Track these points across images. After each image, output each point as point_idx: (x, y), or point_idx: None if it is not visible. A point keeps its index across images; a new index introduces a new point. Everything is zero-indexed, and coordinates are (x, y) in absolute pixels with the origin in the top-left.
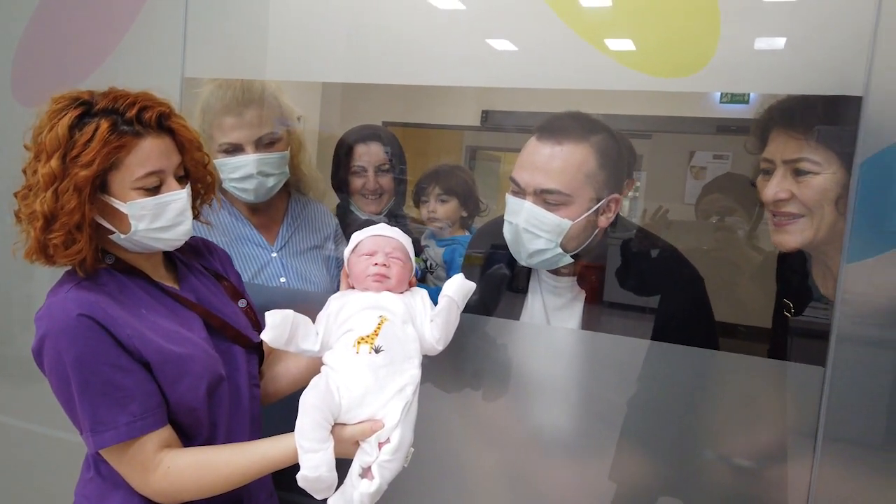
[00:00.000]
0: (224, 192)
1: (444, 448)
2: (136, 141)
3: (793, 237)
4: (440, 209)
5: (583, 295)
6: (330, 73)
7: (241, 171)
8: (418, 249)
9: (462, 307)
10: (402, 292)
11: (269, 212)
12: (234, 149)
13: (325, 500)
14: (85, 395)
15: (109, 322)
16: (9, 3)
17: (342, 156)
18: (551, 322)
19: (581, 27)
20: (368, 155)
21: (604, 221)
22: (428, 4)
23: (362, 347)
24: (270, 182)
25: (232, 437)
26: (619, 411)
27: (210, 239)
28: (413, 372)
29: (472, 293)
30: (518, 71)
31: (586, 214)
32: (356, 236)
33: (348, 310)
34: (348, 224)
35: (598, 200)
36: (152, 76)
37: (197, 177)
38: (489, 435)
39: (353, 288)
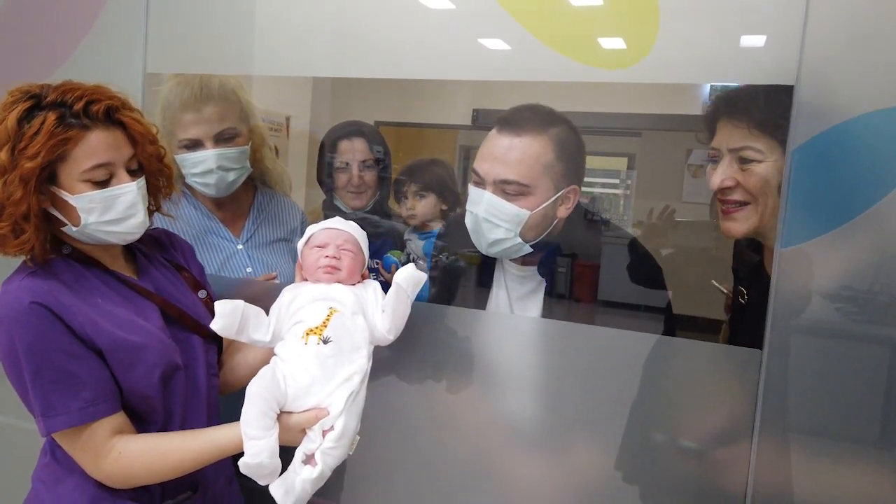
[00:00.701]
0: (189, 186)
1: (411, 438)
2: (83, 133)
3: (739, 224)
4: (418, 205)
5: (544, 284)
6: (317, 67)
7: (202, 167)
8: (401, 244)
9: (413, 296)
10: (353, 284)
11: (233, 205)
12: (194, 144)
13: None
14: (37, 382)
15: (62, 310)
16: None
17: (326, 151)
18: (515, 311)
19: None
20: (352, 151)
21: (563, 212)
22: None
23: (311, 338)
24: (231, 176)
25: (188, 425)
26: (578, 398)
27: (175, 232)
28: (360, 362)
29: (423, 282)
30: (507, 66)
31: (545, 205)
32: (310, 229)
33: (299, 301)
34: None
35: (557, 191)
36: (114, 72)
37: (153, 170)
38: (453, 424)
39: (306, 280)
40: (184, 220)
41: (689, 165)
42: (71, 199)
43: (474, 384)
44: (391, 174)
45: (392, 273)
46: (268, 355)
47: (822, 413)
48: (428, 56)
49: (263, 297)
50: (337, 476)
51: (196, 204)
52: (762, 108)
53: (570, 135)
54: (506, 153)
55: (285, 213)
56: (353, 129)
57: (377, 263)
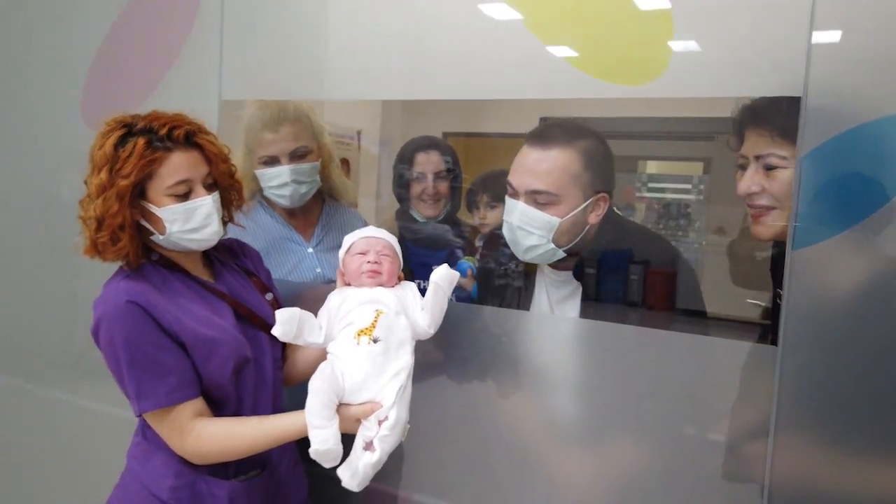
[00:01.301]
0: (267, 198)
1: (462, 431)
2: (167, 155)
3: (767, 228)
4: (490, 215)
5: (580, 288)
6: (385, 91)
7: (278, 180)
8: (472, 250)
9: (449, 293)
10: (392, 286)
11: (305, 215)
12: (272, 160)
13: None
14: (132, 369)
15: (152, 308)
16: (81, 40)
17: (403, 163)
18: (555, 313)
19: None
20: (428, 163)
21: (593, 218)
22: (483, 16)
23: (362, 339)
24: (303, 189)
25: (257, 412)
26: (613, 394)
27: (255, 239)
28: (406, 358)
29: (456, 280)
30: (575, 80)
31: (574, 212)
32: (349, 238)
33: (347, 305)
34: (408, 227)
35: (586, 199)
36: (195, 100)
37: (225, 185)
38: (500, 418)
39: (348, 285)
40: (262, 228)
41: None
42: (158, 212)
43: (518, 380)
44: (462, 185)
45: (468, 277)
46: (322, 353)
47: (837, 408)
48: (492, 76)
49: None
50: (396, 465)
51: (272, 214)
52: (783, 116)
53: (597, 146)
54: (535, 165)
55: (349, 221)
56: (428, 143)
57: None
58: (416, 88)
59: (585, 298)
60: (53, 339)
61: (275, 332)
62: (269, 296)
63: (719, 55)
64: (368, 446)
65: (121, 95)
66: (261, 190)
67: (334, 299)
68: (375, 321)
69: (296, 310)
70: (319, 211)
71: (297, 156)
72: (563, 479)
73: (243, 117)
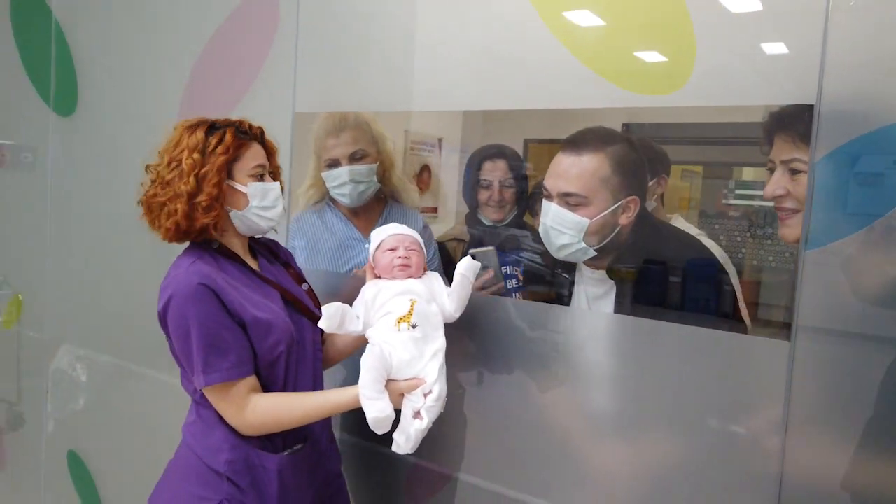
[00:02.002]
0: (333, 200)
1: (516, 422)
2: (249, 143)
3: (793, 230)
4: None
5: (615, 287)
6: (469, 102)
7: (339, 180)
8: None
9: (473, 280)
10: (420, 277)
11: (366, 214)
12: (334, 163)
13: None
14: (200, 345)
15: (219, 290)
16: (179, 55)
17: (472, 171)
18: (591, 309)
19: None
20: (495, 170)
21: (624, 220)
22: (564, 23)
23: (402, 325)
24: (361, 188)
25: (299, 388)
26: (648, 389)
27: (321, 240)
28: (441, 340)
29: (478, 269)
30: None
31: (604, 213)
32: (377, 235)
33: (383, 296)
34: (476, 230)
35: (616, 201)
36: (275, 112)
37: (276, 180)
38: (545, 407)
39: (379, 278)
40: (328, 227)
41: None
42: (243, 188)
43: (559, 371)
44: (528, 191)
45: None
46: (354, 341)
47: (850, 405)
48: (571, 85)
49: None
50: (452, 448)
51: (338, 214)
52: (805, 123)
53: (628, 151)
54: (567, 170)
55: (408, 221)
56: (495, 151)
57: (515, 270)
58: (495, 98)
59: (618, 297)
60: (149, 325)
61: (321, 324)
62: (305, 286)
63: (739, 64)
64: (417, 415)
65: (217, 101)
66: (328, 192)
67: (369, 291)
68: (412, 309)
69: (339, 304)
70: (381, 211)
71: (355, 158)
72: (608, 476)
73: (312, 129)
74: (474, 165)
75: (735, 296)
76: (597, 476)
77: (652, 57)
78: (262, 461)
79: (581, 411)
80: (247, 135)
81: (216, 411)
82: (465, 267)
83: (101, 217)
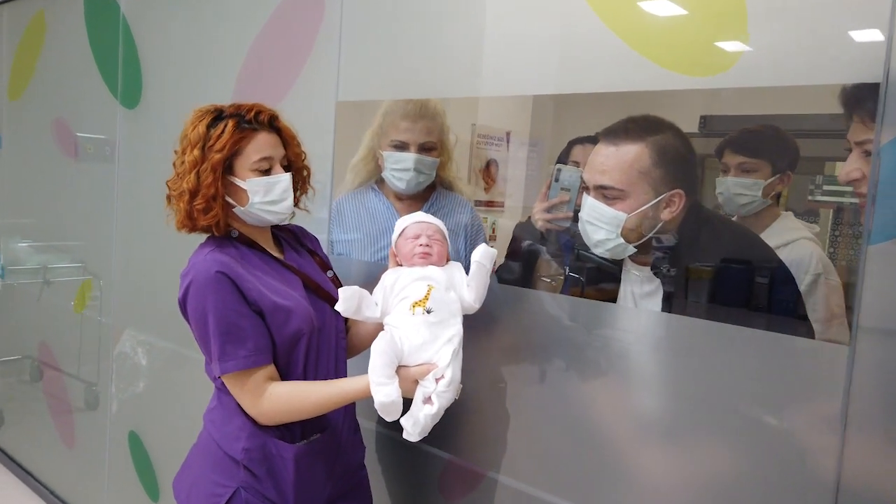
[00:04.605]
0: (378, 184)
1: (552, 420)
2: (254, 134)
3: None
4: None
5: (661, 285)
6: (539, 85)
7: (402, 164)
8: None
9: (490, 269)
10: (442, 266)
11: (410, 200)
12: (402, 146)
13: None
14: (217, 333)
15: (237, 278)
16: (233, 45)
17: (562, 157)
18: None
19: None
20: (584, 154)
21: (667, 215)
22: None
23: (417, 309)
24: (421, 178)
25: (319, 377)
26: (696, 392)
27: (361, 224)
28: (458, 327)
29: (495, 256)
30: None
31: (643, 208)
32: (401, 223)
33: (402, 282)
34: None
35: (657, 195)
36: (315, 100)
37: (298, 167)
38: (586, 407)
39: (400, 266)
40: (369, 212)
41: None
42: (242, 184)
43: (605, 370)
44: None
45: None
46: (377, 328)
47: None
48: (649, 68)
49: None
50: (489, 446)
51: (382, 199)
52: (873, 102)
53: (672, 141)
54: (604, 161)
55: (456, 210)
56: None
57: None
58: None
59: (666, 295)
60: None
61: (338, 307)
62: (330, 273)
63: (794, 41)
64: (427, 400)
65: (267, 90)
66: (377, 172)
67: (388, 278)
68: (428, 294)
69: (356, 287)
70: (427, 198)
71: (424, 148)
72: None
73: (382, 105)
74: (563, 154)
75: (800, 297)
76: (642, 483)
77: (708, 35)
78: (279, 450)
79: (627, 414)
80: (251, 124)
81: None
82: (481, 254)
83: (162, 207)
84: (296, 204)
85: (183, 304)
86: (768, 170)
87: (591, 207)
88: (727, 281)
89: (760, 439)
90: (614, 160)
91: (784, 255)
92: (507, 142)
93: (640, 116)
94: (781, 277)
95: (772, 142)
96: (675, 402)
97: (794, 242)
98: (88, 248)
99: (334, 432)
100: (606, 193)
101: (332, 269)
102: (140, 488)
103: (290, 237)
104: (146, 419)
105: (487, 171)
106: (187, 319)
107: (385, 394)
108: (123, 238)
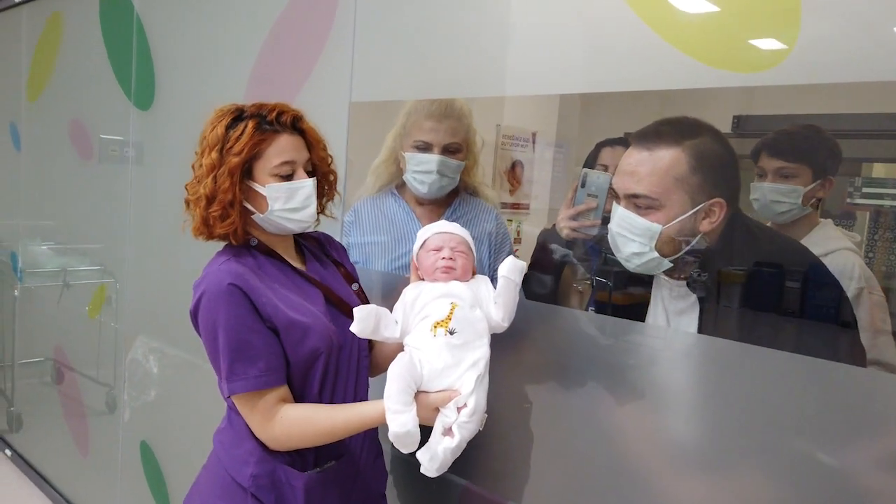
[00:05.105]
0: (398, 188)
1: (575, 440)
2: (275, 136)
3: None
4: None
5: (698, 301)
6: (566, 83)
7: (425, 166)
8: None
9: (519, 284)
10: (467, 281)
11: (431, 205)
12: (425, 147)
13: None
14: (227, 350)
15: (251, 291)
16: (245, 44)
17: (590, 160)
18: (671, 326)
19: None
20: (614, 157)
21: (706, 226)
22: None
23: (438, 331)
24: (444, 182)
25: (339, 397)
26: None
27: (378, 228)
28: (484, 349)
29: (525, 270)
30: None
31: (680, 219)
32: (423, 233)
33: (423, 299)
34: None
35: (695, 205)
36: (328, 100)
37: (323, 171)
38: (612, 430)
39: (422, 280)
40: (387, 217)
41: None
42: (262, 189)
43: (636, 395)
44: None
45: None
46: (399, 346)
47: None
48: (682, 65)
49: None
50: (510, 473)
51: (401, 204)
52: None
53: (712, 146)
54: (636, 167)
55: (480, 217)
56: (615, 139)
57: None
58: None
59: (703, 314)
60: None
61: (353, 328)
62: (355, 286)
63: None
64: (447, 432)
65: (280, 89)
66: (398, 175)
67: (409, 294)
68: (451, 314)
69: (372, 306)
70: (448, 203)
71: (449, 150)
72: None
73: (405, 103)
74: (592, 154)
75: (854, 319)
76: None
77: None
78: (288, 478)
79: (659, 443)
80: (272, 126)
81: None
82: (509, 268)
83: (177, 211)
84: (322, 211)
85: (194, 316)
86: (808, 175)
87: (623, 218)
88: (773, 300)
89: (813, 479)
90: (648, 166)
91: None
92: (533, 143)
93: (675, 118)
94: (835, 297)
95: (813, 144)
96: (713, 433)
97: (834, 252)
98: (105, 251)
99: (352, 459)
100: (639, 203)
101: (357, 282)
102: (152, 502)
103: (315, 246)
104: (158, 429)
105: (513, 173)
106: (199, 333)
107: (400, 423)
108: (138, 242)
